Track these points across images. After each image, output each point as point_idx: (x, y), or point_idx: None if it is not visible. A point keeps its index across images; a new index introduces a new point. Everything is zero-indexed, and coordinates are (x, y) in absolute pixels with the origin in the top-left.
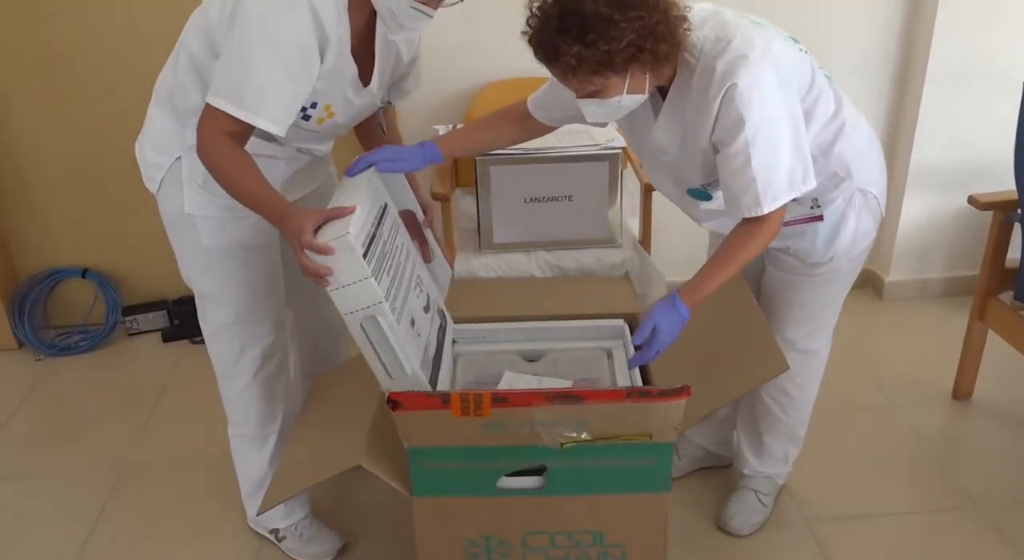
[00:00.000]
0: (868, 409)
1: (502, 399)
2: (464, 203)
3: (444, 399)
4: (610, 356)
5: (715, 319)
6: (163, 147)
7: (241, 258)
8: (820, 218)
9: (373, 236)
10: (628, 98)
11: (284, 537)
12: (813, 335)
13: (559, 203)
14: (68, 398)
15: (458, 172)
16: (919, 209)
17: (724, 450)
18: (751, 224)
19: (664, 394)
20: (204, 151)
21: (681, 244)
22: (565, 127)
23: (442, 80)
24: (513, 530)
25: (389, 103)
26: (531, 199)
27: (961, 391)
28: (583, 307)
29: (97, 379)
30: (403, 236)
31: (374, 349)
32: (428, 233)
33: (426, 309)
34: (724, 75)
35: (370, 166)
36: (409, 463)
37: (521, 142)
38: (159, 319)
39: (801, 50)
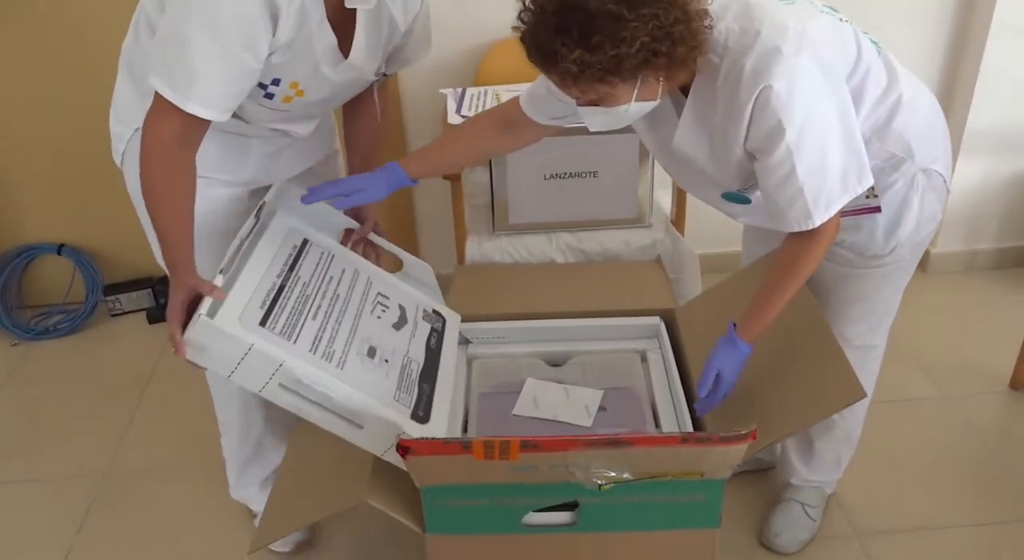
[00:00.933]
0: (917, 401)
1: (533, 445)
2: (476, 174)
3: (465, 445)
4: (644, 359)
5: (778, 336)
6: (124, 118)
7: (208, 246)
8: (877, 209)
9: (281, 287)
10: (637, 106)
11: (257, 515)
12: (874, 330)
13: (583, 179)
14: (45, 392)
15: None
16: (972, 175)
17: (766, 454)
18: (803, 238)
19: (726, 440)
20: (142, 160)
21: (717, 216)
22: None
23: (448, 37)
24: None
25: (385, 74)
26: (552, 175)
27: (1019, 379)
28: (612, 301)
29: (76, 368)
30: (343, 262)
31: (320, 406)
32: (381, 240)
33: (398, 325)
34: (755, 75)
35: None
36: (423, 500)
37: (506, 152)
38: (143, 299)
39: (841, 20)
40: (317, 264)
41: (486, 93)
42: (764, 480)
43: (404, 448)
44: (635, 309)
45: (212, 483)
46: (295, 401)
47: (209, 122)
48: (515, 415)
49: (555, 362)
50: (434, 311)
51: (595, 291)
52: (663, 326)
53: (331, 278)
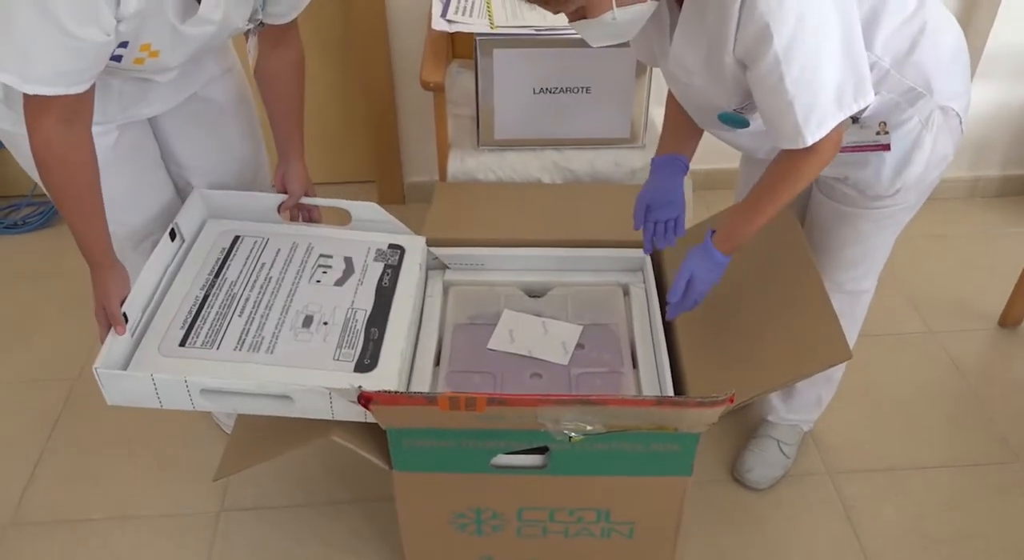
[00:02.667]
0: (902, 336)
1: (500, 401)
2: (462, 80)
3: (429, 399)
4: (627, 293)
5: (768, 285)
6: None
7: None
8: (887, 147)
9: (205, 298)
10: (623, 12)
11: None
12: (866, 275)
13: (574, 95)
14: (13, 291)
15: (455, 45)
16: (985, 99)
17: None
18: (796, 156)
19: (702, 404)
20: (33, 149)
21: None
22: None
23: None
24: (507, 505)
25: (261, 23)
26: (542, 89)
27: (1009, 317)
28: (597, 229)
29: (47, 266)
30: (280, 241)
31: (251, 396)
32: (317, 200)
33: (342, 280)
34: None
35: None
36: (389, 440)
37: None
38: None
39: None
40: (248, 257)
41: None
42: (740, 415)
43: (366, 399)
44: (621, 240)
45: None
46: (229, 401)
47: (82, 95)
48: (490, 349)
49: (535, 293)
50: (389, 246)
51: (580, 217)
52: (648, 260)
53: (263, 265)
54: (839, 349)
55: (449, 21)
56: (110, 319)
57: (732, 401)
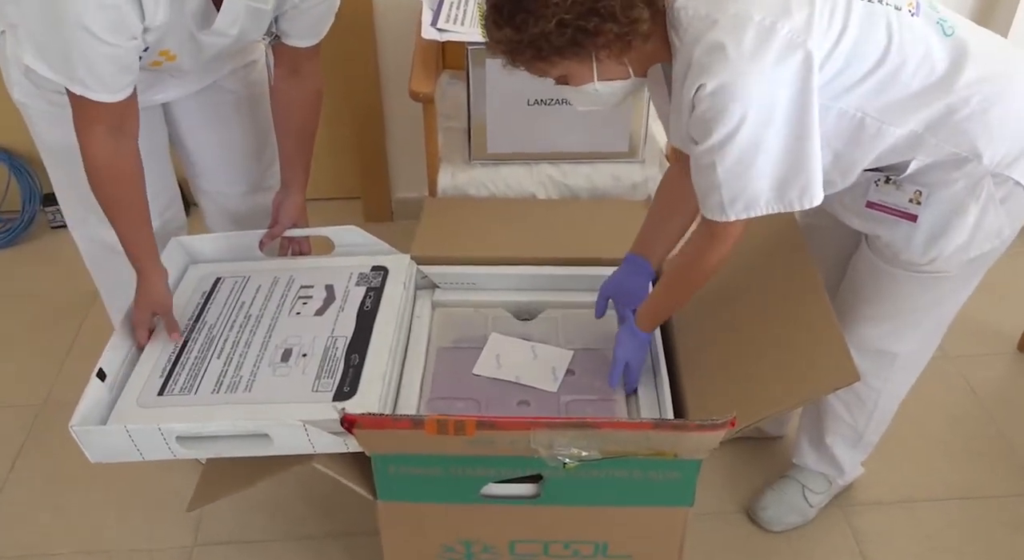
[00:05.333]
0: None
1: (490, 424)
2: (453, 91)
3: (415, 422)
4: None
5: (774, 304)
6: None
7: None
8: (913, 218)
9: (184, 344)
10: (604, 85)
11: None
12: (896, 336)
13: (570, 106)
14: None
15: (446, 54)
16: None
17: (772, 427)
18: (706, 231)
19: (702, 427)
20: (84, 159)
21: None
22: None
23: None
24: (499, 537)
25: (277, 37)
26: (536, 101)
27: None
28: (594, 247)
29: (11, 287)
30: (260, 278)
31: (229, 438)
32: (302, 231)
33: (322, 309)
34: (698, 69)
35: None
36: (374, 467)
37: None
38: None
39: (877, 2)
40: (228, 298)
41: (467, 2)
42: (767, 450)
43: (349, 422)
44: (620, 258)
45: None
46: (207, 446)
47: (127, 105)
48: (475, 374)
49: (525, 315)
50: (372, 268)
51: (577, 234)
52: (648, 284)
53: (242, 304)
54: (846, 370)
55: (439, 30)
56: (166, 326)
57: (734, 424)
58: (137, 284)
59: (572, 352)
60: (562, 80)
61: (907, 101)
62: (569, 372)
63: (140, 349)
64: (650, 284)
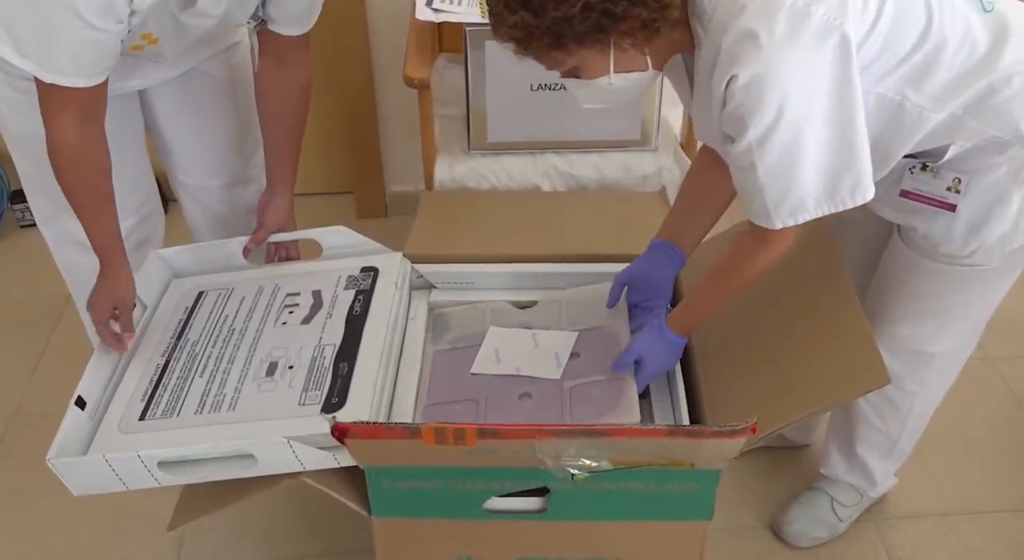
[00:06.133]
0: None
1: (492, 432)
2: (450, 76)
3: (412, 431)
4: (639, 311)
5: (799, 308)
6: None
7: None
8: (951, 208)
9: (167, 363)
10: (620, 78)
11: None
12: (935, 335)
13: None
14: None
15: (442, 37)
16: None
17: (798, 434)
18: (756, 235)
19: (720, 434)
20: (49, 145)
21: None
22: None
23: None
24: (502, 555)
25: (262, 22)
26: (540, 86)
27: None
28: (603, 242)
29: None
30: (245, 288)
31: (212, 460)
32: (288, 235)
33: (309, 317)
34: (728, 59)
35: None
36: (368, 481)
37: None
38: None
39: None
40: (211, 312)
41: None
42: (792, 459)
43: (341, 432)
44: (631, 254)
45: None
46: (191, 470)
47: (97, 90)
48: (473, 373)
49: (524, 303)
50: (361, 270)
51: (584, 228)
52: None
53: (226, 317)
54: (876, 372)
55: (435, 10)
56: (121, 325)
57: (755, 431)
58: (100, 276)
59: (576, 333)
60: (572, 73)
61: (948, 83)
62: (574, 355)
63: (103, 347)
64: (673, 279)
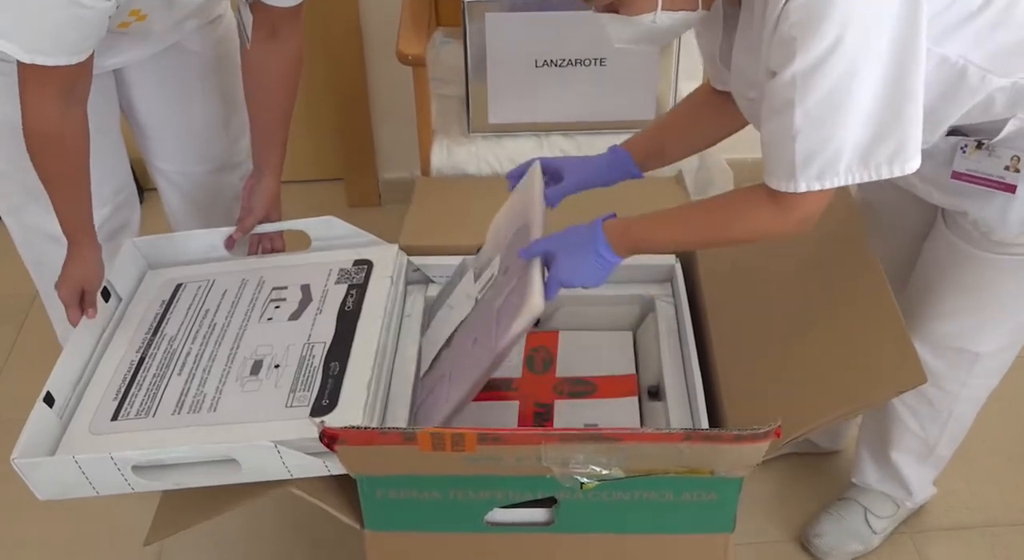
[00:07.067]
0: None
1: (495, 438)
2: (448, 52)
3: (407, 436)
4: (652, 308)
5: (827, 301)
6: None
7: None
8: (1011, 189)
9: (141, 360)
10: (666, 16)
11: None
12: (977, 334)
13: (586, 68)
14: None
15: (439, 9)
16: None
17: (827, 439)
18: (770, 194)
19: (741, 438)
20: (26, 125)
21: None
22: None
23: None
24: None
25: None
26: (546, 62)
27: None
28: None
29: None
30: (227, 281)
31: (192, 465)
32: (274, 226)
33: (297, 313)
34: None
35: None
36: (360, 492)
37: (728, 133)
38: None
39: None
40: (190, 306)
41: None
42: (821, 466)
43: (330, 438)
44: None
45: None
46: (167, 475)
47: (80, 68)
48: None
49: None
50: (354, 263)
51: (598, 209)
52: (679, 267)
53: (206, 311)
54: (911, 371)
55: None
56: (86, 301)
57: (779, 435)
58: (69, 258)
59: (498, 255)
60: (611, 7)
61: (1017, 45)
62: (502, 272)
63: (74, 325)
64: (609, 181)
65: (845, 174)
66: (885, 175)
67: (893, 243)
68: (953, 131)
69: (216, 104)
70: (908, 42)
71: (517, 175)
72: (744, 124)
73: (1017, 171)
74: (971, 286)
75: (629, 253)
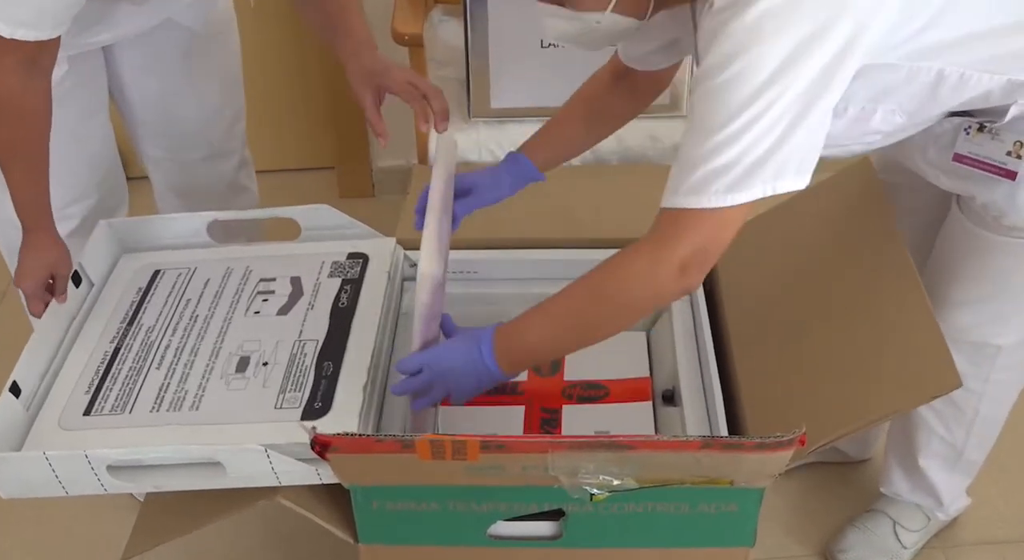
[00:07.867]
0: None
1: (498, 446)
2: (446, 31)
3: (405, 444)
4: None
5: (853, 299)
6: None
7: None
8: (1011, 176)
9: (116, 351)
10: (612, 19)
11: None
12: (998, 322)
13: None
14: None
15: None
16: None
17: (854, 448)
18: (660, 232)
19: (763, 447)
20: None
21: None
22: None
23: None
24: None
25: None
26: (551, 43)
27: None
28: (627, 222)
29: None
30: (210, 269)
31: (172, 467)
32: (246, 214)
33: (287, 308)
34: None
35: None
36: (353, 503)
37: (630, 116)
38: None
39: None
40: (169, 295)
41: None
42: (848, 476)
43: (322, 445)
44: None
45: None
46: (144, 477)
47: (52, 41)
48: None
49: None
50: (348, 256)
51: (604, 209)
52: None
53: (187, 301)
54: (944, 373)
55: None
56: (56, 287)
57: (804, 443)
58: (28, 244)
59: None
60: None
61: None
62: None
63: (37, 316)
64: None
65: (740, 188)
66: (771, 192)
67: (907, 226)
68: (958, 112)
69: (211, 86)
70: (824, 42)
71: (423, 210)
72: (647, 103)
73: (1019, 158)
74: (987, 273)
75: (515, 370)
